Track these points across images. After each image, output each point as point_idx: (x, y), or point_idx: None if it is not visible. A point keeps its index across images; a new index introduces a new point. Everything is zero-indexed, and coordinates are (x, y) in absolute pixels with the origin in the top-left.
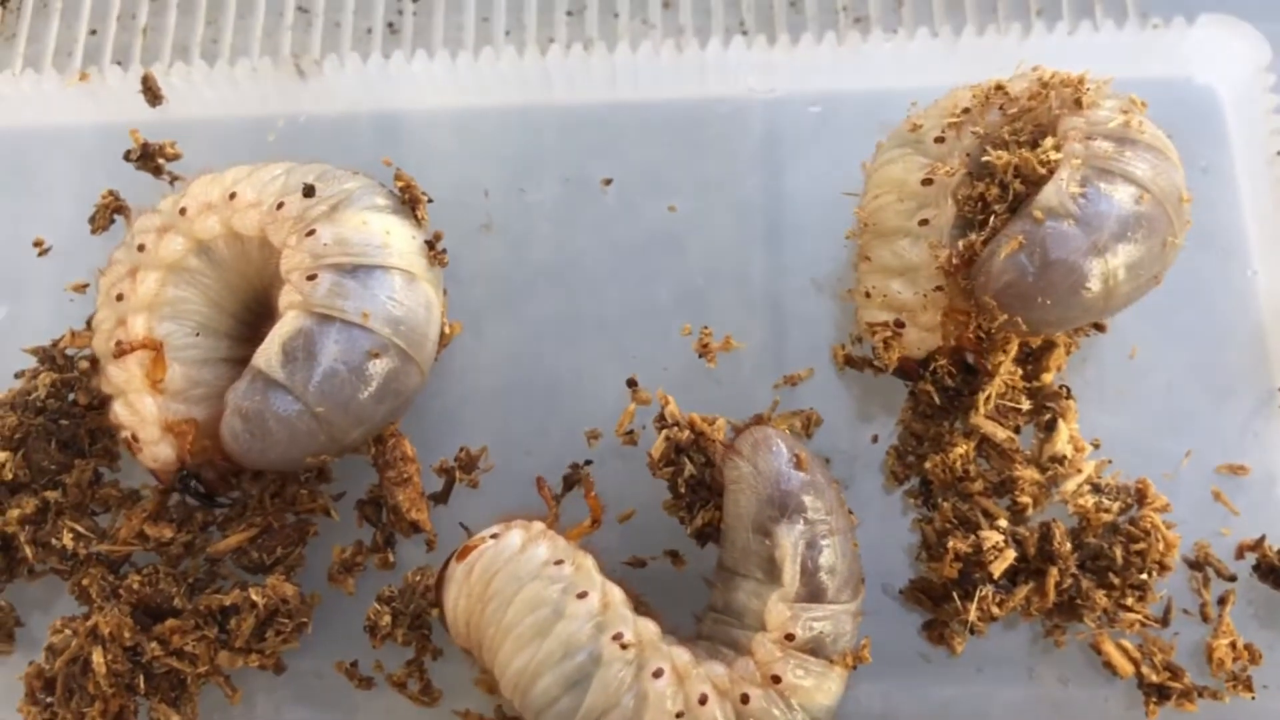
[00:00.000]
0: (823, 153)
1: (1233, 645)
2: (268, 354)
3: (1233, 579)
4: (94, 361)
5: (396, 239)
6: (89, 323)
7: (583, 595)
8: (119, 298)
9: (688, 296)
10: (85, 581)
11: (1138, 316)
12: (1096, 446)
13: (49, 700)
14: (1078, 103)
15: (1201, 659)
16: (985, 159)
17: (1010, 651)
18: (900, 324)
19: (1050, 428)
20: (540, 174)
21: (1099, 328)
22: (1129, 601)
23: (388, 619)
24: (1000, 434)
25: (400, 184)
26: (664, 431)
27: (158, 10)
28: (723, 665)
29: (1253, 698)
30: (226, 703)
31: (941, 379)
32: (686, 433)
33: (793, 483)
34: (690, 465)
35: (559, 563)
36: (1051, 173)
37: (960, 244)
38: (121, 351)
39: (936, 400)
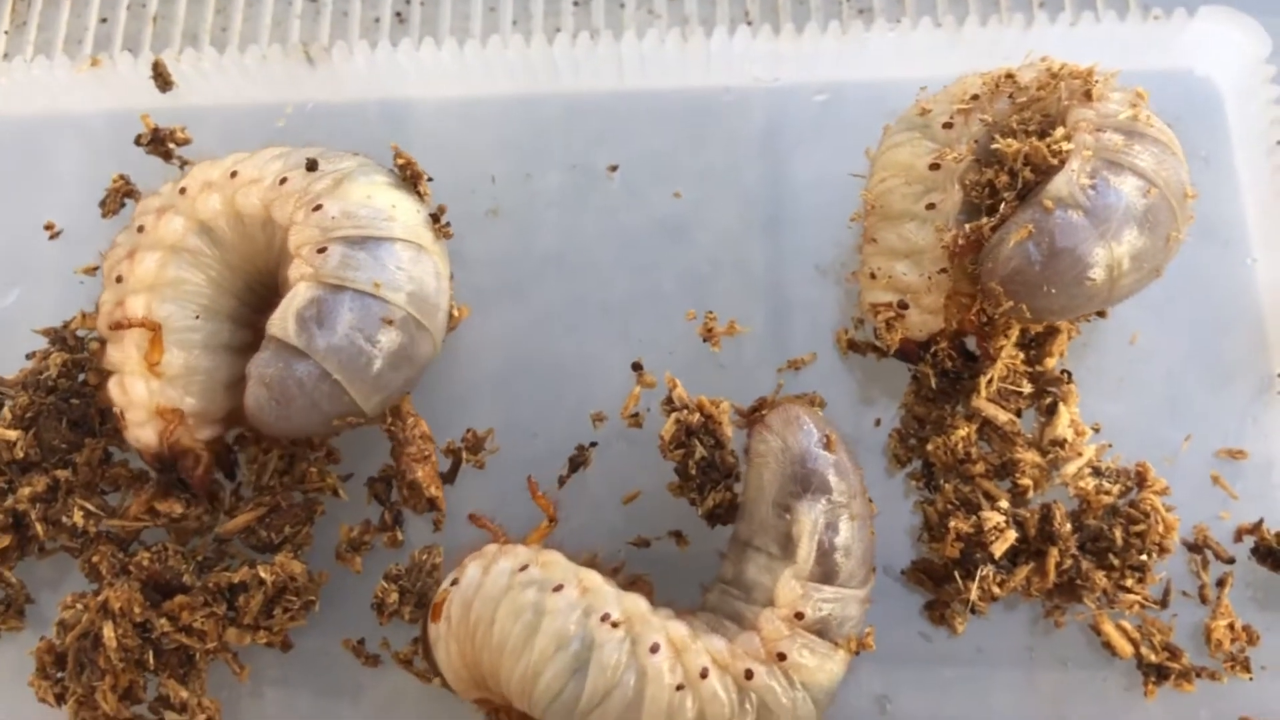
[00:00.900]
0: (826, 141)
1: (1231, 627)
2: (284, 322)
3: (1231, 561)
4: (103, 342)
5: (402, 212)
6: (98, 305)
7: (559, 588)
8: (118, 279)
9: (692, 283)
10: (95, 559)
11: (1138, 304)
12: (1097, 430)
13: (60, 675)
14: (1087, 94)
15: (1200, 640)
16: (995, 146)
17: (1010, 632)
18: (904, 305)
19: (1051, 411)
20: (547, 161)
21: (1100, 314)
22: (1128, 583)
23: (394, 597)
24: (1002, 417)
25: (401, 161)
26: (673, 415)
27: None
28: (723, 640)
29: (1250, 678)
30: (234, 679)
31: (941, 361)
32: (696, 415)
33: (819, 462)
34: (701, 447)
35: (524, 568)
36: (1061, 163)
37: (968, 227)
38: (118, 326)
39: (934, 383)
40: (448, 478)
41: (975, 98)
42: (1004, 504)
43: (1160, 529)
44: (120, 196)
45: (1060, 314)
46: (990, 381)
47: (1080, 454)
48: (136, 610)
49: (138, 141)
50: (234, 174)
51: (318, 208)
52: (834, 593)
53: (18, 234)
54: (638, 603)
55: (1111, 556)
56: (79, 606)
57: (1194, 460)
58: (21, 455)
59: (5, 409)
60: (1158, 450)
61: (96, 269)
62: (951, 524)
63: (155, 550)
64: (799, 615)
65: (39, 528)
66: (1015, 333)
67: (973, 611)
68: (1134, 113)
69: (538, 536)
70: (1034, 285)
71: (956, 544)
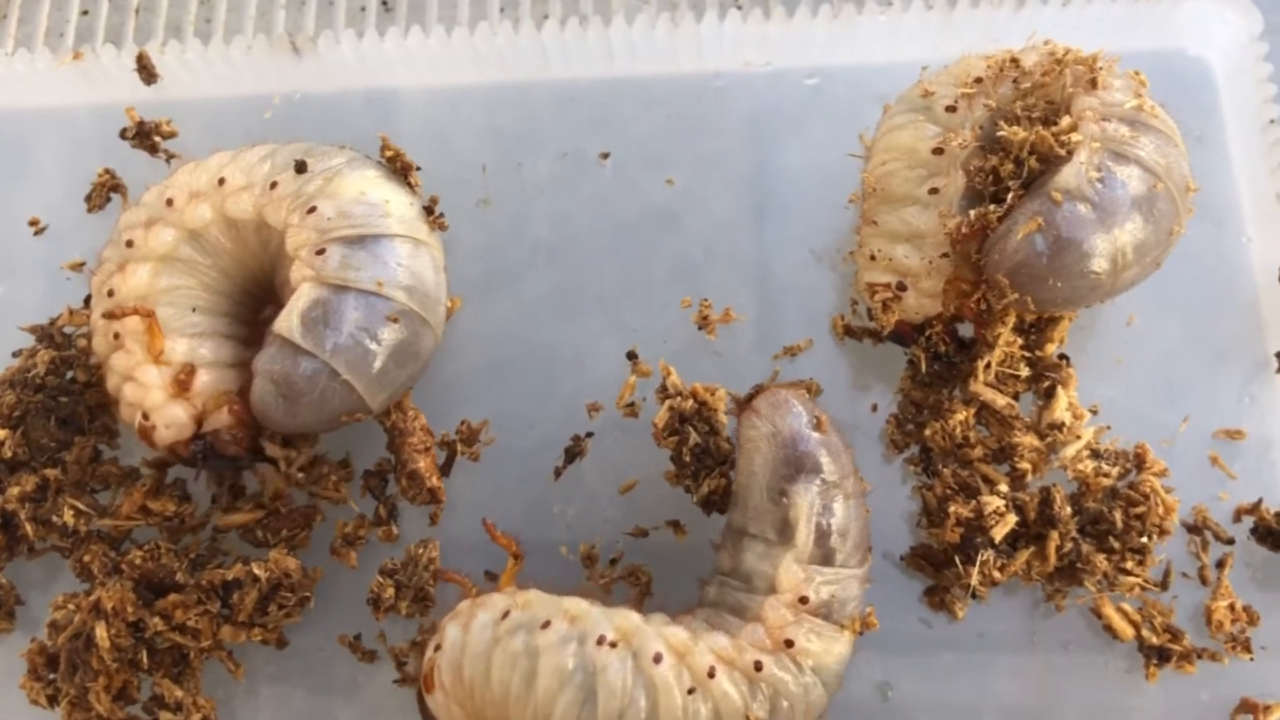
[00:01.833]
0: (819, 126)
1: (1231, 607)
2: (289, 324)
3: (1230, 542)
4: (91, 338)
5: (396, 207)
6: (86, 301)
7: (546, 625)
8: (110, 294)
9: (685, 270)
10: (87, 558)
11: (1135, 286)
12: (1094, 413)
13: (52, 676)
14: (1092, 82)
15: (1200, 621)
16: (1000, 134)
17: (1011, 617)
18: (902, 287)
19: (1049, 395)
20: (537, 150)
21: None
22: (1129, 565)
23: (391, 591)
24: (999, 401)
25: (389, 154)
26: (667, 402)
27: None
28: (725, 636)
29: (1251, 659)
30: (230, 678)
31: (935, 345)
32: (690, 402)
33: (811, 444)
34: (695, 434)
35: (505, 615)
36: (1069, 153)
37: (972, 214)
38: (112, 315)
39: (924, 367)
40: (443, 470)
41: (979, 81)
42: (1003, 488)
43: (1160, 511)
44: (106, 191)
45: (1063, 306)
46: (988, 366)
47: (1079, 437)
48: (129, 609)
49: (123, 135)
50: (221, 181)
51: (312, 209)
52: (835, 574)
53: (2, 230)
54: (629, 617)
55: (1111, 539)
56: (70, 607)
57: (1192, 441)
58: (10, 454)
59: None
60: (1156, 431)
61: (83, 264)
62: (951, 509)
63: (147, 549)
64: (803, 600)
65: (28, 528)
66: (1012, 319)
67: (973, 596)
68: (1139, 103)
69: (508, 578)
70: (1040, 277)
71: (956, 529)
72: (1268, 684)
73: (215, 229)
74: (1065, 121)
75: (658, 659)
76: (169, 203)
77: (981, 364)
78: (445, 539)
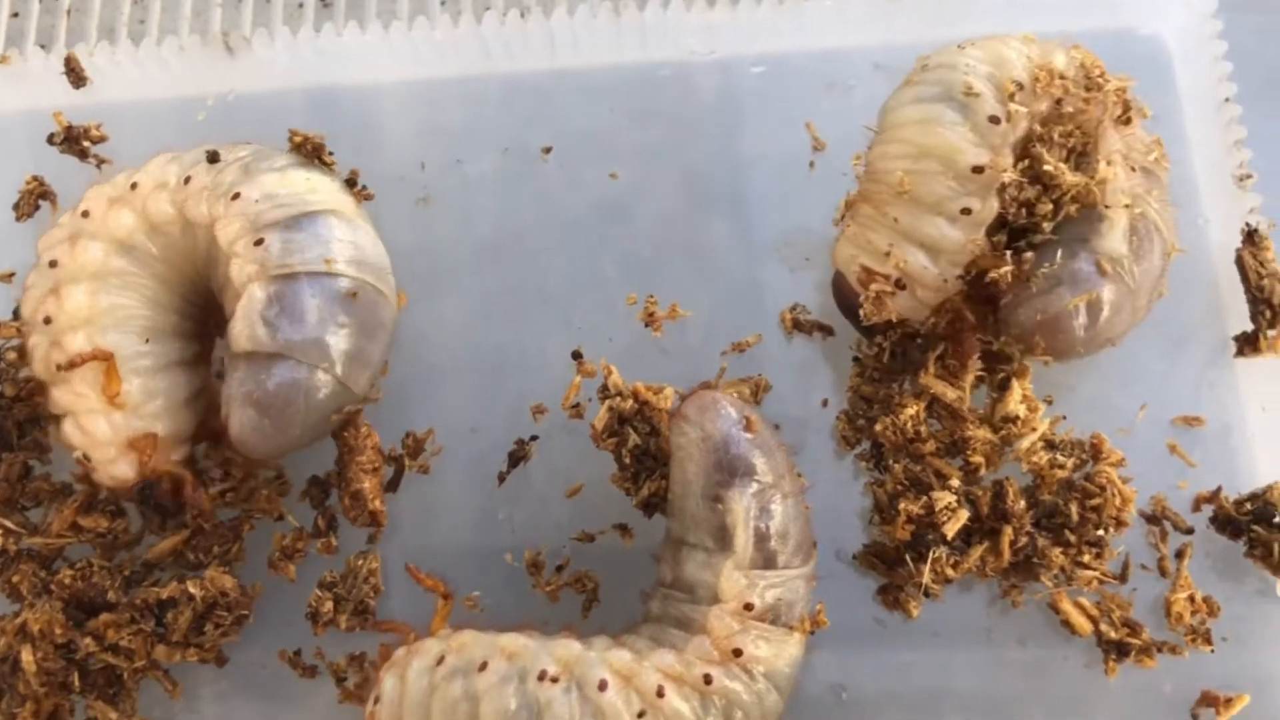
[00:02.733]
0: (767, 115)
1: (1191, 599)
2: (250, 332)
3: (1190, 532)
4: (21, 352)
5: (320, 183)
6: (15, 313)
7: (483, 667)
8: (46, 320)
9: (635, 267)
10: (16, 578)
11: None
12: (1049, 403)
13: None
14: (1127, 120)
15: (1161, 614)
16: (1046, 168)
17: (967, 614)
18: (901, 285)
19: (1003, 387)
20: (480, 146)
21: None
22: (1086, 558)
23: (330, 605)
24: (950, 394)
25: (297, 140)
26: (607, 402)
27: None
28: (672, 651)
29: (1211, 650)
30: (168, 697)
31: (888, 347)
32: (630, 402)
33: (742, 446)
34: (634, 435)
35: (440, 661)
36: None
37: (1009, 261)
38: (70, 366)
39: (871, 363)
40: (390, 486)
41: (1020, 88)
42: (955, 483)
43: (1117, 502)
44: (35, 198)
45: (1073, 357)
46: (940, 358)
47: (1034, 429)
48: (58, 631)
49: (50, 140)
50: (134, 185)
51: (236, 196)
52: (779, 576)
53: None
54: (569, 646)
55: (1067, 532)
56: None
57: (1150, 429)
58: None
59: None
60: (1113, 420)
61: (12, 275)
62: (901, 505)
63: (79, 567)
64: (748, 606)
65: None
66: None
67: (926, 595)
68: (1158, 154)
69: (440, 620)
70: (1071, 341)
71: (907, 526)
72: (1232, 675)
73: (142, 234)
74: (1103, 169)
75: (603, 686)
76: (85, 214)
77: (933, 354)
78: (388, 549)
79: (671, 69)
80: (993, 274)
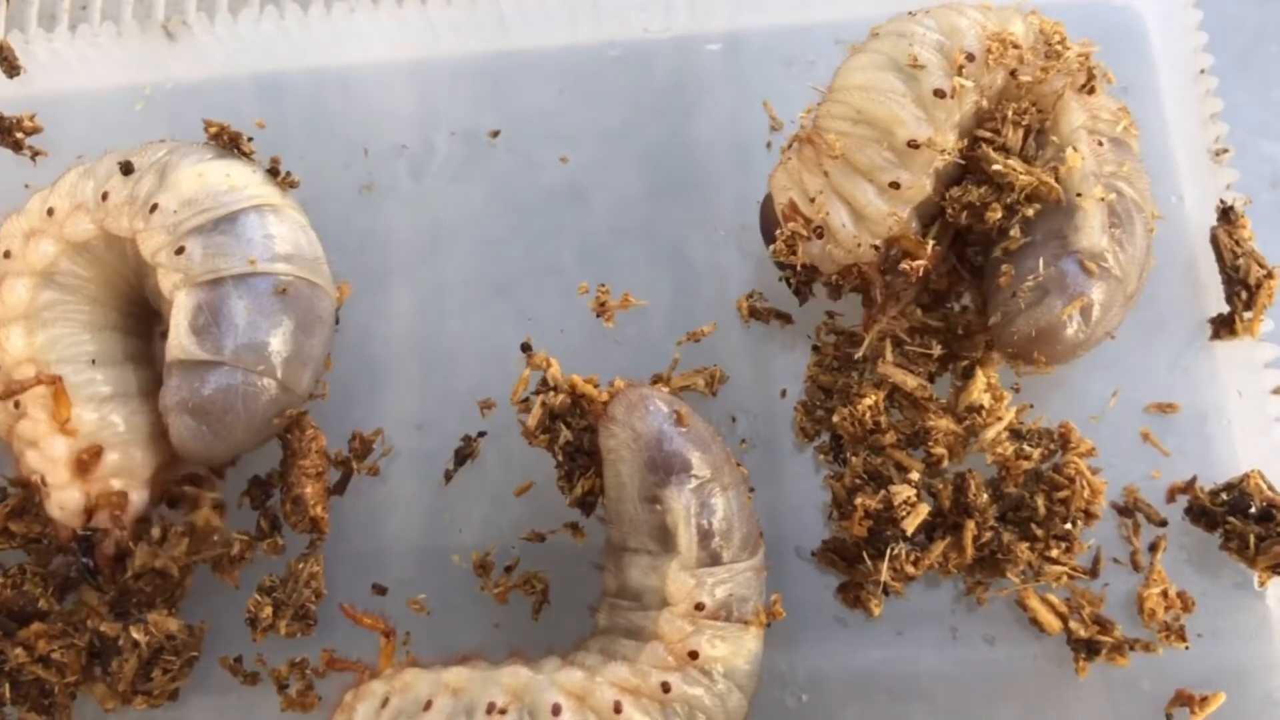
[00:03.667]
0: (725, 95)
1: (1164, 594)
2: (179, 342)
3: (1164, 524)
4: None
5: (239, 178)
6: None
7: (428, 705)
8: None
9: (592, 253)
10: None
11: None
12: (1017, 390)
13: None
14: (1090, 89)
15: (1134, 609)
16: (995, 167)
17: (932, 612)
18: (820, 234)
19: (967, 375)
20: (427, 130)
21: None
22: (1054, 553)
23: (269, 610)
24: (910, 382)
25: (213, 130)
26: (539, 397)
27: None
28: (625, 663)
29: (1186, 647)
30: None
31: (796, 287)
32: (562, 397)
33: (675, 442)
34: (566, 431)
35: (385, 703)
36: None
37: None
38: (11, 393)
39: (830, 352)
40: (337, 489)
41: (970, 59)
42: (915, 475)
43: (1086, 494)
44: None
45: (1074, 359)
46: (898, 345)
47: (999, 419)
48: None
49: None
50: (50, 212)
51: (154, 208)
52: (727, 572)
53: None
54: (517, 674)
55: (1034, 526)
56: None
57: (1122, 416)
58: None
59: None
60: (1083, 408)
61: None
62: (858, 500)
63: (11, 574)
64: (699, 606)
65: None
66: (910, 296)
67: (886, 593)
68: (1126, 123)
69: (386, 659)
70: (1073, 348)
71: (864, 522)
72: (1210, 671)
73: (66, 261)
74: (1070, 156)
75: (556, 710)
76: (6, 255)
77: (873, 332)
78: (334, 552)
79: (623, 48)
80: (905, 263)
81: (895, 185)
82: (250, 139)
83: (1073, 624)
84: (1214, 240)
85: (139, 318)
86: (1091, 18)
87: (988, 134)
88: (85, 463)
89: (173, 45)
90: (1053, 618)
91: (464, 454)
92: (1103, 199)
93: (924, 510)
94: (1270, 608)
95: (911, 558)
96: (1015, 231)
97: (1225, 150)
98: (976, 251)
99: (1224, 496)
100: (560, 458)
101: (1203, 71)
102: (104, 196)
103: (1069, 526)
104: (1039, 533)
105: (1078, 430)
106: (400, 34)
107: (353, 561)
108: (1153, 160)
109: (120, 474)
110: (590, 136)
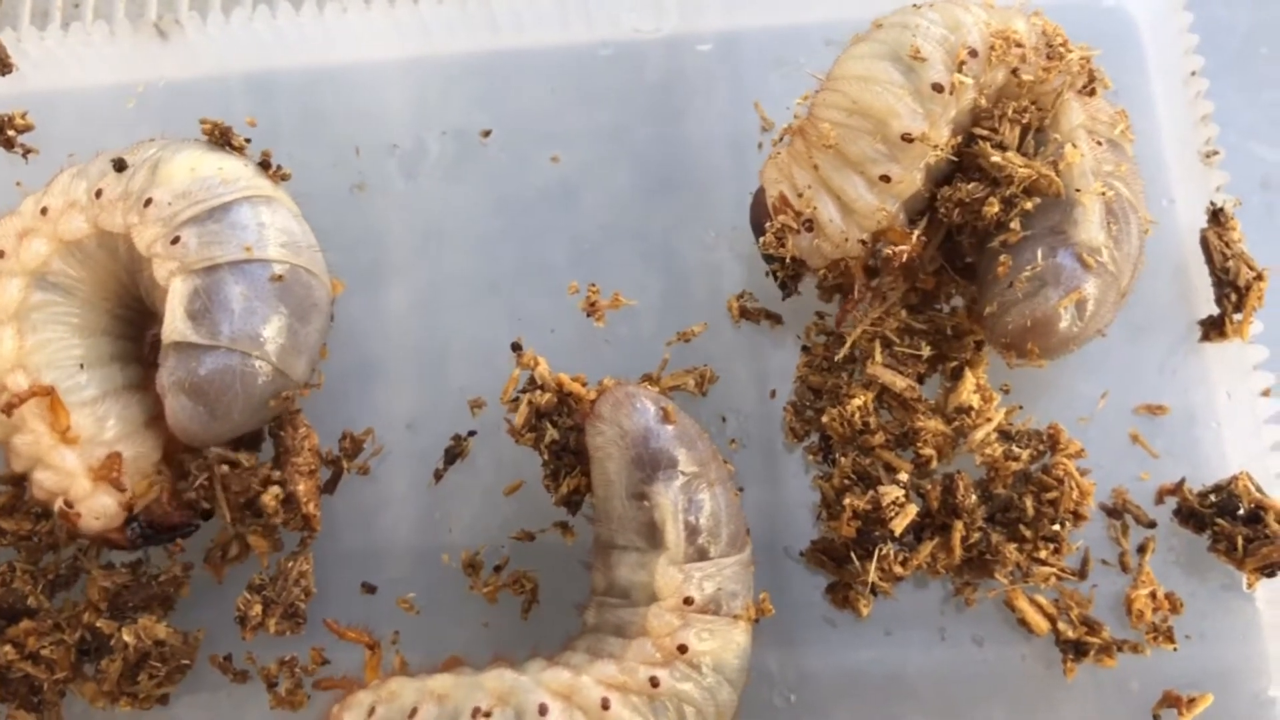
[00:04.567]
0: (718, 94)
1: (1153, 595)
2: (175, 325)
3: (1152, 525)
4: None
5: (232, 170)
6: None
7: (413, 713)
8: None
9: (583, 253)
10: None
11: None
12: (1006, 391)
13: None
14: (1091, 91)
15: (1122, 610)
16: (995, 159)
17: (921, 612)
18: (809, 227)
19: (956, 376)
20: (418, 130)
21: None
22: (1042, 554)
23: (259, 609)
24: (899, 383)
25: (206, 127)
26: (525, 396)
27: None
28: (612, 661)
29: (1175, 649)
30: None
31: (782, 280)
32: (548, 396)
33: (662, 439)
34: (552, 430)
35: (371, 712)
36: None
37: (1002, 262)
38: (10, 407)
39: (820, 352)
40: (327, 488)
41: (973, 55)
42: (904, 476)
43: (1074, 495)
44: None
45: (1066, 354)
46: (887, 346)
47: (989, 420)
48: None
49: None
50: (44, 210)
51: (148, 202)
52: (715, 567)
53: None
54: (502, 676)
55: (1022, 527)
56: None
57: (1112, 417)
58: None
59: None
60: (1073, 409)
61: None
62: (847, 501)
63: (0, 571)
64: (688, 601)
65: None
66: (898, 293)
67: (874, 593)
68: (1124, 127)
69: (372, 671)
70: (1066, 342)
71: (853, 522)
72: (1198, 672)
73: (58, 261)
74: (1069, 151)
75: (543, 710)
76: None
77: (856, 333)
78: (324, 551)
79: (614, 48)
80: (889, 249)
81: (886, 178)
82: (246, 140)
83: (1061, 625)
84: (1204, 242)
85: (129, 320)
86: (1082, 20)
87: (984, 132)
88: (114, 476)
89: (165, 44)
90: (1041, 619)
91: (454, 453)
92: (1102, 194)
93: (912, 511)
94: (1258, 609)
95: (900, 558)
96: (1015, 224)
97: (1216, 152)
98: (970, 243)
99: (1212, 498)
100: (546, 456)
101: (1193, 74)
102: (98, 194)
103: (1057, 528)
104: (1027, 534)
105: (1067, 431)
106: (392, 33)
107: (342, 560)
108: (1143, 162)
109: (135, 466)
110: (582, 136)
